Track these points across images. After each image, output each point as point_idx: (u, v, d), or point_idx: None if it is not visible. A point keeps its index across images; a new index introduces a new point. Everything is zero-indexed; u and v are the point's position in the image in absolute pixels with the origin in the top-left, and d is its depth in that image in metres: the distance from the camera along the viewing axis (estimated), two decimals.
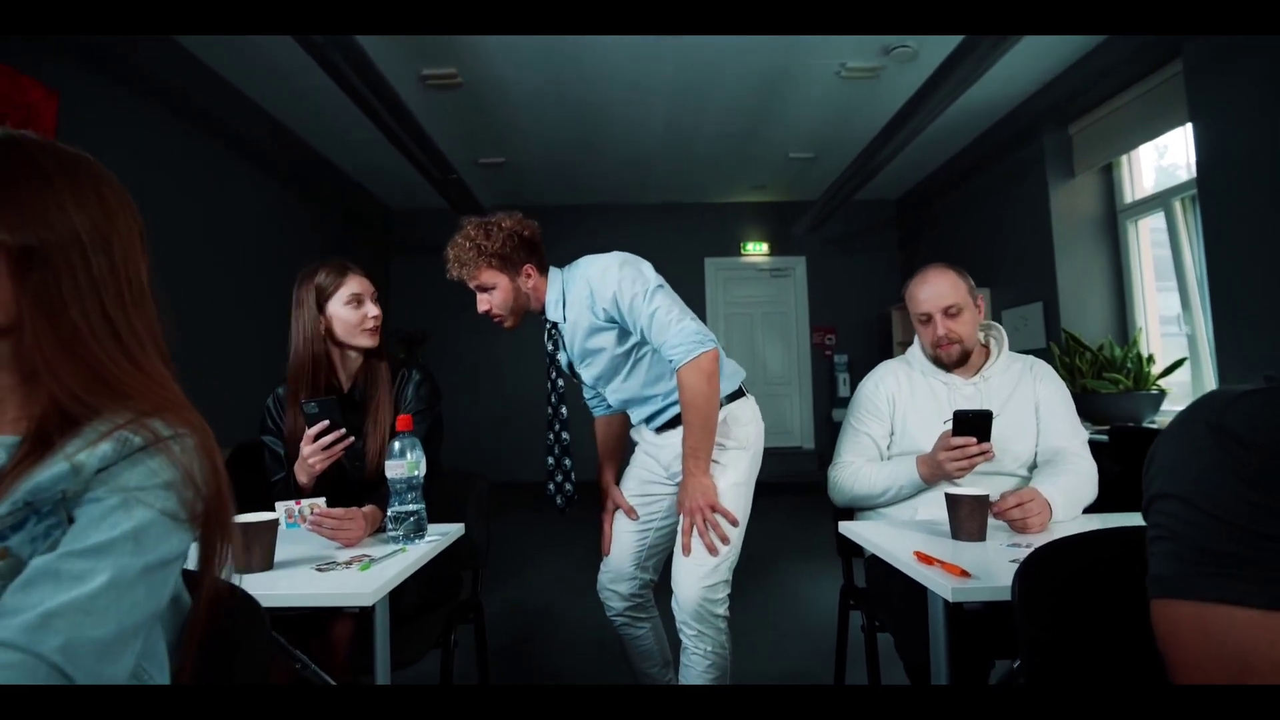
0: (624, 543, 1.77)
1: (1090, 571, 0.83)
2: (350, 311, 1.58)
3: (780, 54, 3.65)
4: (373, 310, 1.61)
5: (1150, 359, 3.27)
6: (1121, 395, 3.19)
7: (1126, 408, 3.18)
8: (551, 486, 1.82)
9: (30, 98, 2.51)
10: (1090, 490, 1.48)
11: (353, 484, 1.58)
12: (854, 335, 6.55)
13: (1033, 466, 1.58)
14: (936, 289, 1.61)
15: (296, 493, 1.53)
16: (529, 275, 1.64)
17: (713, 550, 1.54)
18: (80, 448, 0.60)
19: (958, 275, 1.63)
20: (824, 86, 4.05)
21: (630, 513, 1.77)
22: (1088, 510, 1.48)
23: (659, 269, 1.62)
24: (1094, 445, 1.61)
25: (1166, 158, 3.79)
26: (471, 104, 4.20)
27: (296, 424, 1.55)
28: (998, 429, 1.47)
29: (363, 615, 1.18)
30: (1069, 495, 1.42)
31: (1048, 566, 0.85)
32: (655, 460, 1.76)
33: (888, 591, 1.53)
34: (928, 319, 1.63)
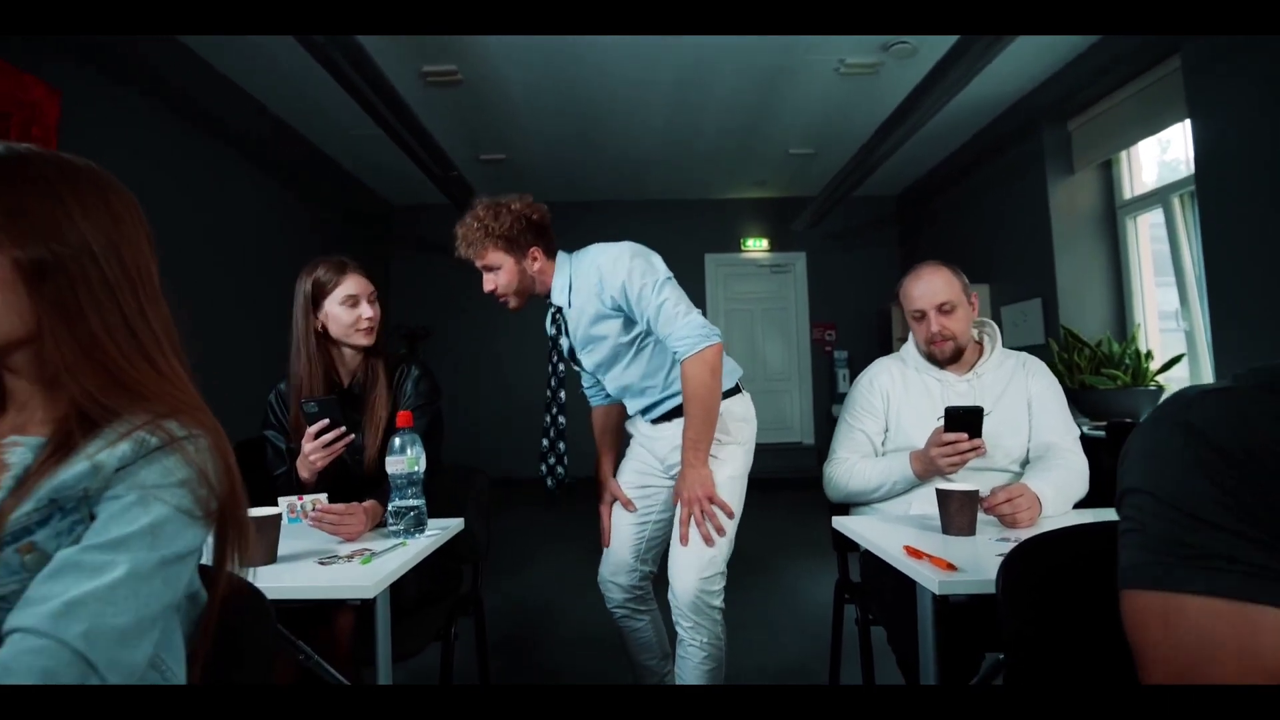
0: (623, 535, 1.80)
1: (1072, 565, 0.84)
2: (345, 311, 1.60)
3: (780, 51, 3.66)
4: (368, 311, 1.61)
5: (1149, 355, 3.27)
6: (1120, 391, 3.20)
7: (1124, 403, 3.19)
8: (544, 468, 1.85)
9: (33, 96, 2.53)
10: (1081, 486, 1.50)
11: (354, 479, 1.60)
12: (854, 331, 6.56)
13: (1025, 462, 1.60)
14: (930, 286, 1.62)
15: (299, 488, 1.55)
16: (535, 258, 1.65)
17: (709, 540, 1.57)
18: (101, 448, 0.63)
19: (951, 272, 1.64)
20: (823, 83, 4.06)
21: (629, 505, 1.80)
22: (1080, 505, 1.50)
23: None
24: (1091, 441, 1.63)
25: (1169, 153, 3.77)
26: (472, 101, 4.21)
27: (298, 418, 1.57)
28: (990, 425, 1.48)
29: (364, 608, 1.20)
30: (1060, 490, 1.43)
31: (1031, 560, 0.87)
32: (651, 453, 1.78)
33: (880, 585, 1.55)
34: (921, 316, 1.65)
